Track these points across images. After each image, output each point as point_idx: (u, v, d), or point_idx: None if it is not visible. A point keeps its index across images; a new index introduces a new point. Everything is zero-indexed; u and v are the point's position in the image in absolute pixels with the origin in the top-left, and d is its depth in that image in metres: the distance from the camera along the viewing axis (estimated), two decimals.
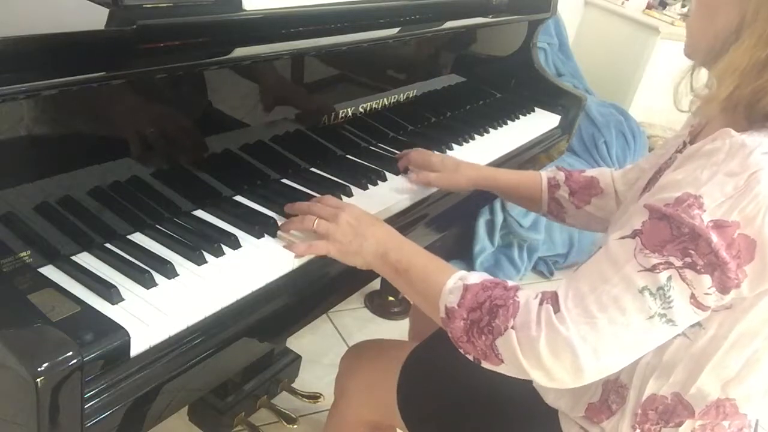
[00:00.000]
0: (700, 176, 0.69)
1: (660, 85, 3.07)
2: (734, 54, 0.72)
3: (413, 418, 1.05)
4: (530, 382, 0.95)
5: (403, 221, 1.18)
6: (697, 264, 0.68)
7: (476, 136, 1.54)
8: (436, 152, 1.29)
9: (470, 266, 2.36)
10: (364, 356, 1.20)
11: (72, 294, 0.78)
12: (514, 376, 0.77)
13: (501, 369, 0.77)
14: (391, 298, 2.15)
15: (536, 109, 1.79)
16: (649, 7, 3.35)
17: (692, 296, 0.70)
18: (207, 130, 1.00)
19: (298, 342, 1.73)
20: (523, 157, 1.59)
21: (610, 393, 0.86)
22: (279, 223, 1.01)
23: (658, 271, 0.70)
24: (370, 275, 0.99)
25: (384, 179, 1.23)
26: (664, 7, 3.35)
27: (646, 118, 3.10)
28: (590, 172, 1.20)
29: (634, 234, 0.72)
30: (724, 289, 0.70)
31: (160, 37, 0.87)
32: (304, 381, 1.70)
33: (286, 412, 1.55)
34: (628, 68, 3.18)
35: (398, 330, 1.99)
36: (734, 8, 0.73)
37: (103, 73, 0.80)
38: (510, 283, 0.80)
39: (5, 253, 0.78)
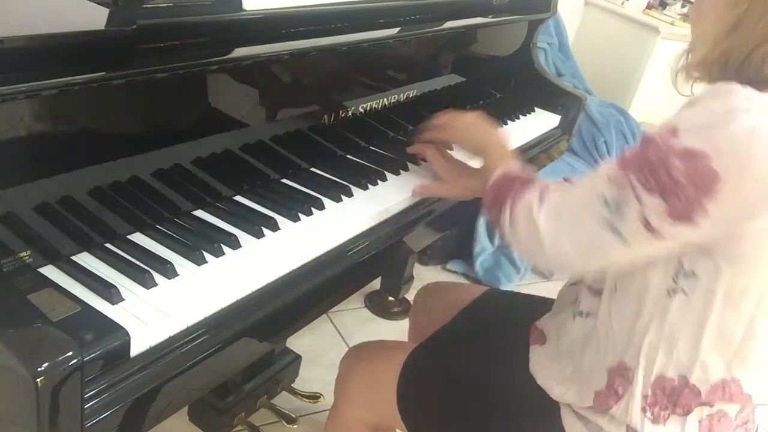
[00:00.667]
0: (685, 112, 0.73)
1: (660, 85, 3.07)
2: (710, 24, 0.77)
3: (413, 419, 1.05)
4: (532, 380, 0.96)
5: (403, 221, 1.18)
6: (649, 183, 0.73)
7: None
8: (445, 155, 1.24)
9: (470, 266, 2.36)
10: (364, 357, 1.20)
11: (72, 294, 0.78)
12: (510, 243, 0.93)
13: (502, 232, 0.94)
14: (391, 298, 2.15)
15: (536, 109, 1.79)
16: (649, 7, 3.35)
17: (643, 215, 0.74)
18: (207, 130, 1.00)
19: (298, 342, 1.73)
20: (523, 157, 1.59)
21: (615, 377, 0.87)
22: (279, 223, 1.01)
23: (618, 184, 0.76)
24: (370, 275, 0.99)
25: (384, 179, 1.23)
26: (664, 7, 3.35)
27: (646, 118, 3.09)
28: None
29: (619, 156, 0.79)
30: (675, 215, 0.72)
31: (160, 37, 0.87)
32: (304, 381, 1.70)
33: (286, 412, 1.55)
34: (628, 68, 3.18)
35: (398, 330, 1.99)
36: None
37: (103, 73, 0.80)
38: (538, 181, 0.93)
39: (5, 253, 0.78)
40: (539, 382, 0.96)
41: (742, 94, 0.70)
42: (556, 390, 0.93)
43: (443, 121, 1.19)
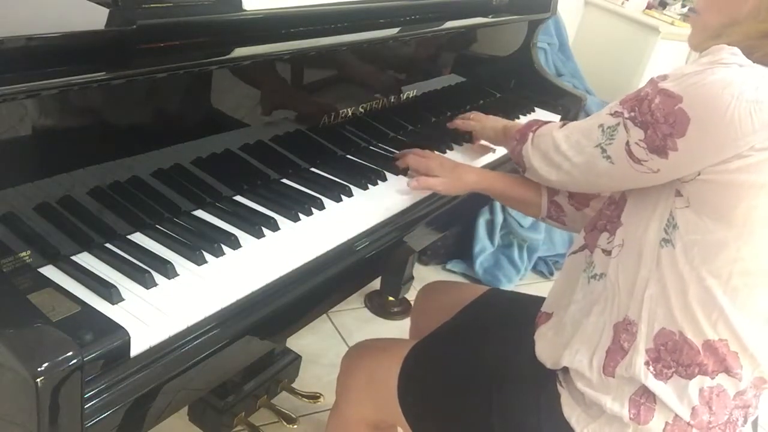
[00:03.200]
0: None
1: None
2: (747, 25, 0.83)
3: (414, 415, 1.06)
4: (531, 374, 0.97)
5: (403, 221, 1.18)
6: (637, 118, 0.84)
7: None
8: (434, 154, 1.28)
9: (470, 266, 2.36)
10: (365, 355, 1.21)
11: (72, 294, 0.78)
12: (532, 176, 1.08)
13: (528, 174, 1.09)
14: (391, 298, 2.15)
15: (536, 109, 1.79)
16: (649, 7, 3.35)
17: (627, 143, 0.86)
18: (207, 130, 1.00)
19: (298, 342, 1.73)
20: None
21: (621, 333, 0.90)
22: (279, 223, 1.01)
23: (612, 115, 0.89)
24: (370, 275, 0.99)
25: (384, 179, 1.23)
26: (664, 7, 3.35)
27: None
28: None
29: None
30: (651, 148, 0.83)
31: (160, 37, 0.87)
32: (304, 381, 1.70)
33: (286, 412, 1.55)
34: (628, 68, 3.18)
35: (398, 330, 1.99)
36: None
37: (103, 73, 0.80)
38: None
39: (5, 253, 0.78)
40: (545, 356, 0.97)
41: (728, 50, 0.80)
42: (565, 356, 0.94)
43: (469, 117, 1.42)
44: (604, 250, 0.95)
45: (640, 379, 0.87)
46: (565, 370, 0.95)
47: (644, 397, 0.88)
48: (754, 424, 0.96)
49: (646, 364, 0.87)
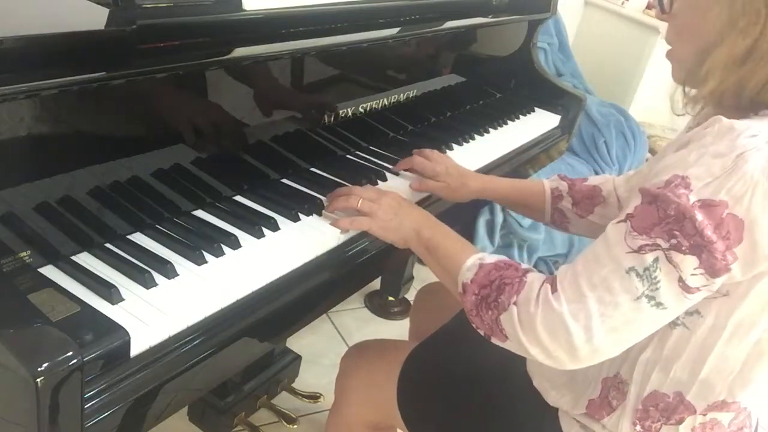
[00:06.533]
0: (688, 158, 0.71)
1: (660, 85, 3.07)
2: (717, 53, 0.74)
3: (413, 417, 1.06)
4: (530, 380, 0.96)
5: None
6: (683, 245, 0.69)
7: (476, 136, 1.54)
8: (442, 156, 1.25)
9: None
10: (364, 356, 1.20)
11: (72, 294, 0.78)
12: (518, 353, 0.80)
13: (507, 345, 0.81)
14: (391, 298, 2.15)
15: (536, 109, 1.79)
16: (649, 7, 3.35)
17: (680, 279, 0.70)
18: (207, 130, 1.00)
19: (298, 342, 1.73)
20: (523, 157, 1.59)
21: (610, 389, 0.87)
22: (279, 224, 1.01)
23: (644, 252, 0.71)
24: (370, 275, 0.99)
25: (384, 179, 1.23)
26: None
27: (646, 118, 3.09)
28: (592, 181, 1.19)
29: (627, 218, 0.74)
30: (712, 272, 0.70)
31: (161, 37, 0.87)
32: (304, 381, 1.70)
33: (286, 412, 1.55)
34: (628, 68, 3.18)
35: (398, 330, 1.99)
36: (721, 18, 0.74)
37: (103, 73, 0.80)
38: (523, 265, 0.84)
39: (5, 253, 0.78)
40: (535, 383, 0.96)
41: (746, 132, 0.69)
42: (551, 395, 0.93)
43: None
44: None
45: None
46: None
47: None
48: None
49: (633, 423, 0.85)
